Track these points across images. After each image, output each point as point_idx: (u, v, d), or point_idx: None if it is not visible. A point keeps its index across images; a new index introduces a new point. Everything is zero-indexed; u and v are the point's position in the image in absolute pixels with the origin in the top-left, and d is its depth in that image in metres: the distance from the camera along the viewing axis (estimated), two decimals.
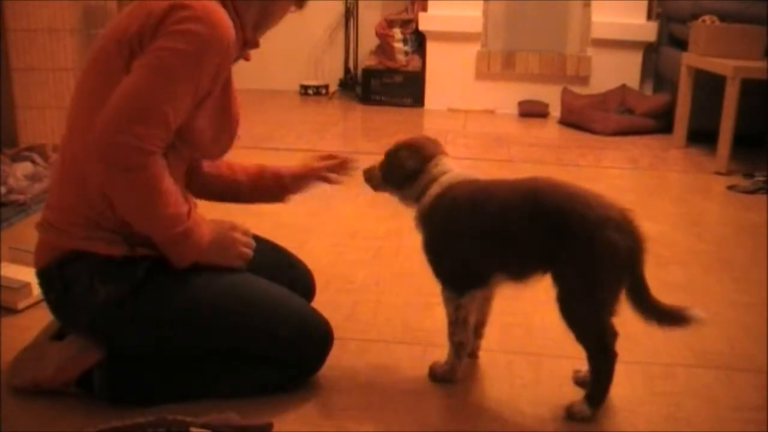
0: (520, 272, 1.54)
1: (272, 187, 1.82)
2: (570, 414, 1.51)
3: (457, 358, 1.62)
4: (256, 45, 1.59)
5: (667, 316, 1.49)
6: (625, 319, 1.97)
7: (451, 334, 1.62)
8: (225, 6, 1.45)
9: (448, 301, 1.61)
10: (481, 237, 1.53)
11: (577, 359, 1.75)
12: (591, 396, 1.51)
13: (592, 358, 1.50)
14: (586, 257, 1.43)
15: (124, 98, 1.34)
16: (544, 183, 1.54)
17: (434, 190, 1.59)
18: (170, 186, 1.40)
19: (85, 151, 1.38)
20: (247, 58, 1.61)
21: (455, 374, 1.63)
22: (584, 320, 1.48)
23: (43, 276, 1.52)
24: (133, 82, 1.35)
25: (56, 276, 1.48)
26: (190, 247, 1.45)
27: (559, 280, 1.47)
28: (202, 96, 1.43)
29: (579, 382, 1.63)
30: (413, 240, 2.14)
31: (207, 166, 1.74)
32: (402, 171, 1.63)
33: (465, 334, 1.61)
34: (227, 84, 1.52)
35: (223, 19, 1.40)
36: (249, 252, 1.56)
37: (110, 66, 1.41)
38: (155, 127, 1.34)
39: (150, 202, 1.38)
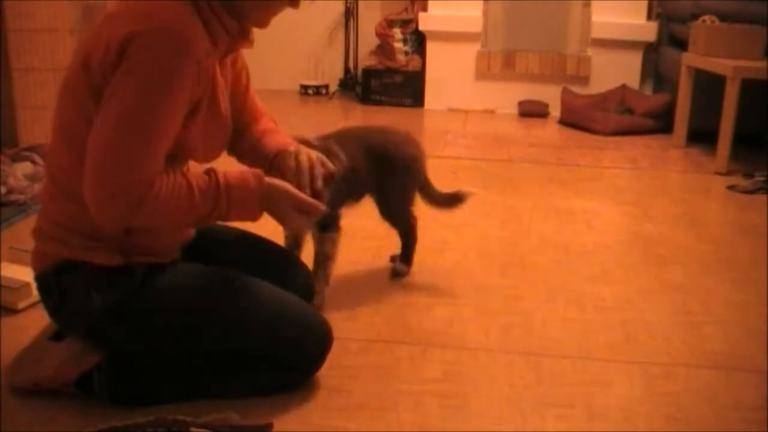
0: (360, 197, 2.09)
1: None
2: (395, 272, 2.22)
3: (327, 285, 2.01)
4: (245, 35, 1.52)
5: (449, 200, 2.23)
6: (626, 319, 1.98)
7: (328, 267, 1.99)
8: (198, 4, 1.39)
9: (330, 241, 1.98)
10: (346, 179, 1.92)
11: (578, 359, 1.75)
12: (404, 257, 2.23)
13: (404, 236, 2.21)
14: (398, 170, 2.09)
15: (101, 153, 1.31)
16: (365, 131, 2.21)
17: None
18: (180, 188, 1.36)
19: (75, 194, 1.38)
20: (246, 46, 1.55)
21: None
22: (401, 214, 2.17)
23: (40, 282, 1.51)
24: (104, 134, 1.31)
25: (53, 284, 1.48)
26: (240, 212, 1.45)
27: (381, 193, 2.11)
28: (195, 104, 1.40)
29: (393, 260, 2.27)
30: None
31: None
32: None
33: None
34: (214, 88, 1.47)
35: (182, 29, 1.33)
36: (309, 220, 1.54)
37: (78, 95, 1.38)
38: (141, 169, 1.31)
39: (169, 216, 1.38)
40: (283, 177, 1.55)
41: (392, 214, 2.17)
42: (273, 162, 1.64)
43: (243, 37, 1.51)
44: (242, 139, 1.71)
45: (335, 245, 1.99)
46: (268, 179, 1.47)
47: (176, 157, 1.43)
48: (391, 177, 2.09)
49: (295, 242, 2.03)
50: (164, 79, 1.32)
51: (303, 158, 1.59)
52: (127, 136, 1.31)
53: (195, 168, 1.51)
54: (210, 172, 1.42)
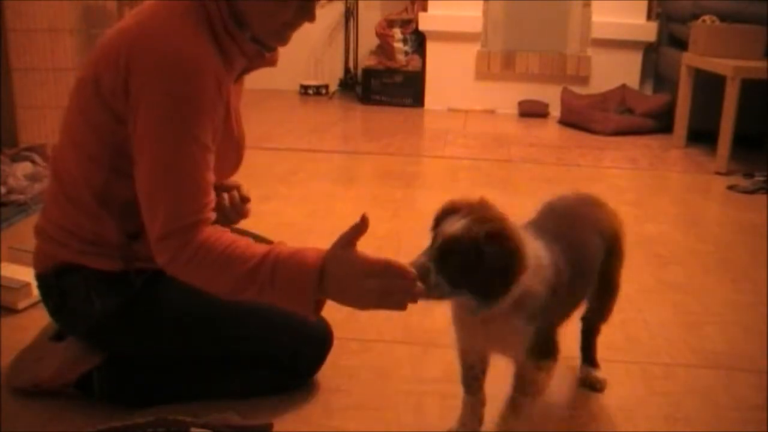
0: (583, 299, 1.56)
1: None
2: (590, 383, 1.64)
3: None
4: (269, 49, 1.46)
5: None
6: (626, 319, 1.98)
7: (532, 404, 1.39)
8: (211, 13, 1.34)
9: (546, 371, 1.36)
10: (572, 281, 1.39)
11: (578, 359, 1.75)
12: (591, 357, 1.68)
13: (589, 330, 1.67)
14: (622, 246, 1.59)
15: (147, 201, 1.31)
16: (574, 204, 1.59)
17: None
18: (231, 241, 1.31)
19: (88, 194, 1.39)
20: (268, 65, 1.51)
21: None
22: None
23: (41, 282, 1.51)
24: (144, 183, 1.31)
25: (53, 285, 1.48)
26: (288, 284, 1.28)
27: (602, 281, 1.56)
28: (216, 124, 1.37)
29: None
30: (413, 240, 2.13)
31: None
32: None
33: None
34: (227, 108, 1.42)
35: (191, 49, 1.29)
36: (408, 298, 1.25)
37: (89, 106, 1.37)
38: (187, 206, 1.30)
39: (216, 265, 1.30)
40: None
41: (610, 297, 1.61)
42: None
43: (262, 56, 1.46)
44: None
45: (550, 378, 1.37)
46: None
47: None
48: (616, 258, 1.56)
49: (479, 366, 1.42)
50: (184, 113, 1.29)
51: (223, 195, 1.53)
52: (164, 182, 1.30)
53: None
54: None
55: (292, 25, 1.40)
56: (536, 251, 1.29)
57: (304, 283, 1.27)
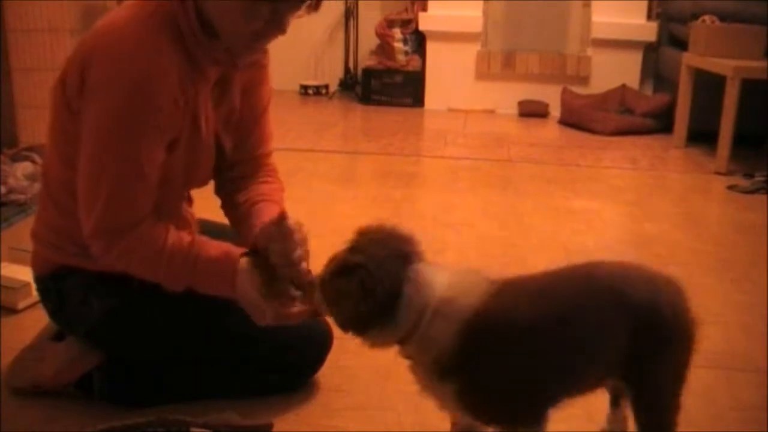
0: (591, 385, 1.34)
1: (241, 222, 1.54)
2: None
3: None
4: (233, 57, 1.38)
5: None
6: None
7: None
8: (178, 18, 1.30)
9: None
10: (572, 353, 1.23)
11: None
12: None
13: None
14: (674, 340, 1.29)
15: (82, 197, 1.32)
16: (602, 272, 1.27)
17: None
18: (156, 238, 1.34)
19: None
20: (258, 66, 1.49)
21: None
22: (666, 413, 1.35)
23: (40, 284, 1.52)
24: (82, 181, 1.32)
25: (52, 287, 1.48)
26: (209, 279, 1.38)
27: (638, 378, 1.29)
28: (174, 138, 1.35)
29: None
30: None
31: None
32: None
33: None
34: (196, 114, 1.38)
35: (148, 52, 1.27)
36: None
37: (58, 110, 1.36)
38: (119, 212, 1.31)
39: (143, 263, 1.36)
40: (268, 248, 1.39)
41: (654, 413, 1.28)
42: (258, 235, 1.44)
43: (235, 65, 1.42)
44: (235, 194, 1.56)
45: None
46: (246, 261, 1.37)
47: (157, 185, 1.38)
48: (658, 353, 1.24)
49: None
50: (132, 118, 1.28)
51: (292, 224, 1.40)
52: (101, 183, 1.30)
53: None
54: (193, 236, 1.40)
55: (263, 36, 1.34)
56: (459, 296, 1.15)
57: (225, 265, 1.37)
